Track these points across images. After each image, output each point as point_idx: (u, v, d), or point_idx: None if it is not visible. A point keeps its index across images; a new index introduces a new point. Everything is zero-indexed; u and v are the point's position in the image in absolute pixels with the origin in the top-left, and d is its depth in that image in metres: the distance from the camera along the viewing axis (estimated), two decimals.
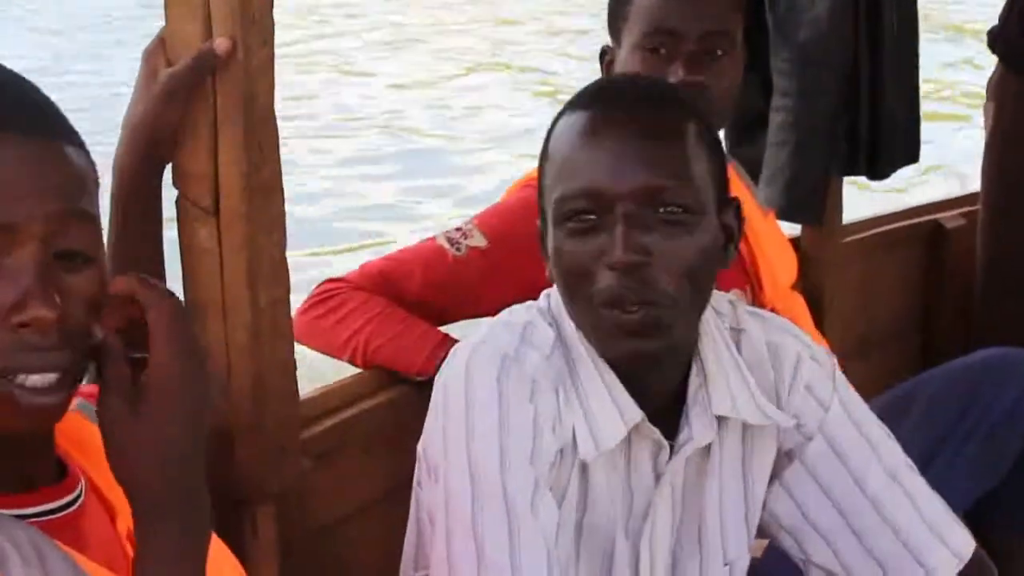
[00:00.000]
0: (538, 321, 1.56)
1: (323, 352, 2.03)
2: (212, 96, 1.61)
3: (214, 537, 1.29)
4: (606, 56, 2.12)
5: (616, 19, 2.10)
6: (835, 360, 1.71)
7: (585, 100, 1.56)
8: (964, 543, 1.68)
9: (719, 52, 2.02)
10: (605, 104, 1.54)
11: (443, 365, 1.56)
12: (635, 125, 1.51)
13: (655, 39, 2.02)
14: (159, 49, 1.62)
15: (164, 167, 1.64)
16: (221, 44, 1.58)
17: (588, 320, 1.51)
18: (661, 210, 1.48)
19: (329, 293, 2.03)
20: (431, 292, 2.02)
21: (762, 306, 2.18)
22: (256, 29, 1.61)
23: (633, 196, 1.47)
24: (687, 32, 2.01)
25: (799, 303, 2.32)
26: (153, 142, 1.61)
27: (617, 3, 2.10)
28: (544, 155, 1.56)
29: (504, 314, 1.60)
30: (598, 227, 1.48)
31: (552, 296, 1.60)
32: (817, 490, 1.66)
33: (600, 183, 1.48)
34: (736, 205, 1.58)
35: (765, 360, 1.65)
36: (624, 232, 1.46)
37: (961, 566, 1.67)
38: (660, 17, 2.02)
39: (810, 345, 1.69)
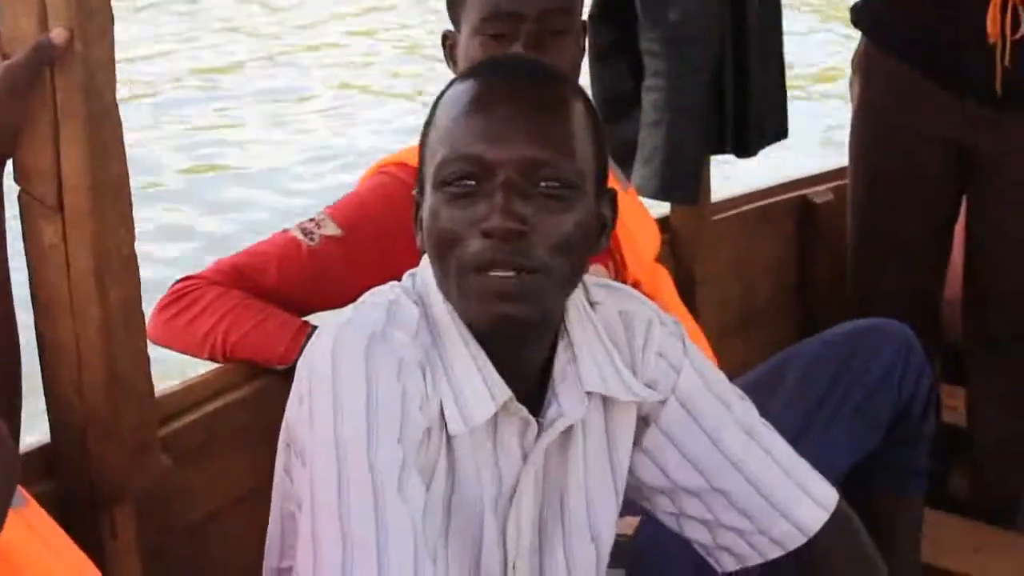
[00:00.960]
0: (403, 300, 1.55)
1: (182, 352, 2.00)
2: (51, 90, 1.58)
3: (63, 543, 1.27)
4: (447, 40, 2.11)
5: (454, 5, 2.08)
6: (698, 330, 1.72)
7: (475, 71, 1.57)
8: (827, 494, 1.71)
9: (559, 30, 2.02)
10: (494, 75, 1.54)
11: (307, 346, 1.54)
12: (523, 96, 1.51)
13: (494, 25, 2.00)
14: None
15: (4, 163, 1.61)
16: (58, 35, 1.56)
17: (458, 286, 1.50)
18: (542, 184, 1.48)
19: (182, 291, 2.00)
20: (288, 284, 2.00)
21: (625, 281, 2.19)
22: (94, 21, 1.59)
23: (515, 165, 1.47)
24: (526, 12, 1.99)
25: (663, 276, 2.34)
26: None
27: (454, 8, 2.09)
28: (429, 122, 1.56)
29: (367, 295, 1.59)
30: (476, 194, 1.47)
31: (418, 275, 1.59)
32: (676, 453, 1.68)
33: (483, 150, 1.47)
34: (612, 195, 1.59)
35: (619, 328, 1.66)
36: (504, 199, 1.46)
37: (827, 516, 1.69)
38: (496, 1, 2.00)
39: (658, 311, 1.70)
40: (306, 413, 1.49)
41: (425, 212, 1.53)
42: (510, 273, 1.46)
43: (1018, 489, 2.80)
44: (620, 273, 2.21)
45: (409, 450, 1.46)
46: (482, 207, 1.47)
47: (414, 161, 2.01)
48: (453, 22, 2.09)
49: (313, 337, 1.54)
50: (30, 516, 1.27)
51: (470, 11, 2.03)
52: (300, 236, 2.02)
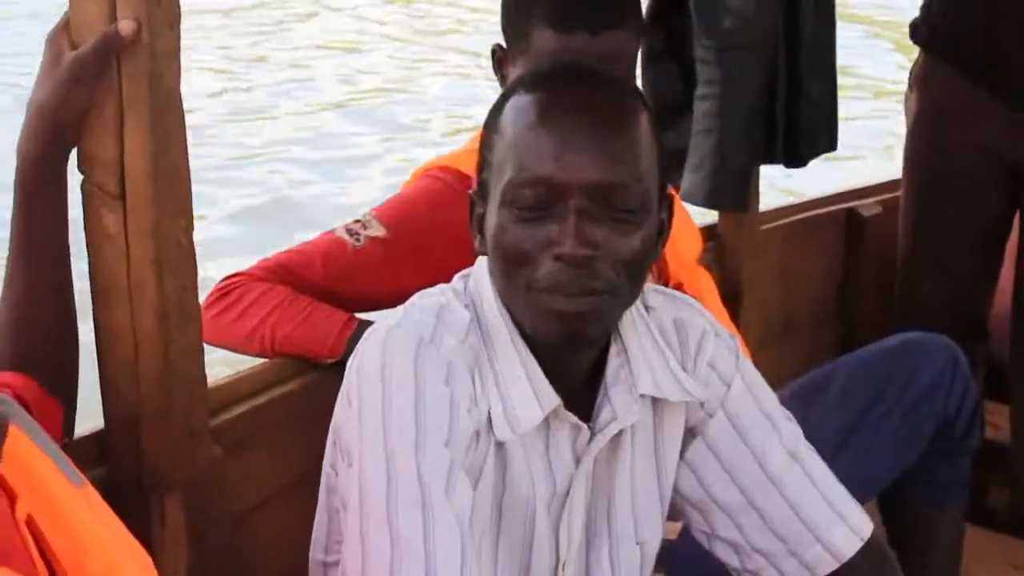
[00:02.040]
0: (453, 303, 1.56)
1: (230, 349, 2.01)
2: (117, 80, 1.59)
3: (119, 527, 1.29)
4: (496, 54, 2.09)
5: (512, 23, 2.06)
6: (739, 339, 1.73)
7: (542, 80, 1.55)
8: (862, 522, 1.70)
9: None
10: (562, 86, 1.54)
11: (356, 348, 1.55)
12: (592, 111, 1.50)
13: None
14: (63, 32, 1.60)
15: (69, 152, 1.62)
16: (125, 26, 1.57)
17: (525, 302, 1.50)
18: (612, 208, 1.48)
19: (227, 288, 2.01)
20: (334, 282, 2.02)
21: (667, 280, 2.21)
22: (161, 11, 1.60)
23: (586, 190, 1.47)
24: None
25: (705, 278, 2.34)
26: (58, 127, 1.59)
27: (515, 31, 2.07)
28: (494, 128, 1.55)
29: (417, 297, 1.60)
30: (547, 216, 1.48)
31: (470, 278, 1.60)
32: (718, 467, 1.68)
33: (554, 171, 1.47)
34: (670, 200, 1.60)
35: (672, 336, 1.66)
36: (576, 225, 1.46)
37: (861, 544, 1.69)
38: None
39: (714, 323, 1.70)
40: (355, 414, 1.50)
41: (490, 223, 1.52)
42: (579, 296, 1.47)
43: None
44: (663, 272, 2.21)
45: (457, 453, 1.47)
46: (552, 229, 1.47)
47: (460, 165, 2.04)
48: (508, 38, 2.08)
49: (363, 339, 1.55)
50: (90, 496, 1.29)
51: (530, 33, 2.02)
52: (346, 237, 2.03)
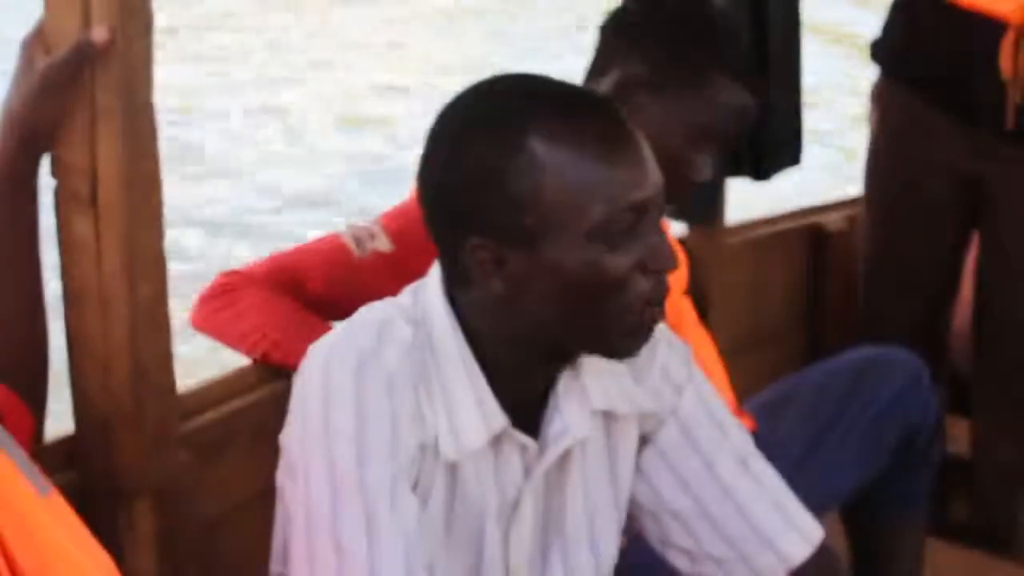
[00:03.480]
0: (395, 319, 1.55)
1: (221, 342, 2.02)
2: (91, 87, 1.60)
3: (84, 536, 1.28)
4: None
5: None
6: (691, 348, 1.74)
7: (567, 113, 1.49)
8: (813, 528, 1.71)
9: None
10: (587, 111, 1.51)
11: (301, 363, 1.55)
12: (624, 129, 1.50)
13: None
14: (37, 39, 1.61)
15: (41, 157, 1.62)
16: (100, 34, 1.57)
17: (618, 328, 1.50)
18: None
19: (228, 286, 2.01)
20: (333, 289, 2.01)
21: None
22: (136, 19, 1.60)
23: (657, 200, 1.50)
24: None
25: (688, 309, 2.32)
26: (31, 132, 1.60)
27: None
28: (528, 171, 1.45)
29: (360, 311, 1.58)
30: (633, 235, 1.48)
31: (419, 293, 1.58)
32: (670, 474, 1.69)
33: (641, 195, 1.47)
34: None
35: None
36: (662, 235, 1.50)
37: (811, 550, 1.70)
38: None
39: (667, 331, 1.71)
40: (299, 431, 1.51)
41: (570, 263, 1.46)
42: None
43: (1018, 518, 2.82)
44: None
45: (400, 465, 1.48)
46: (639, 247, 1.48)
47: None
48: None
49: (306, 355, 1.54)
50: (54, 505, 1.29)
51: None
52: (351, 244, 2.02)
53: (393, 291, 1.94)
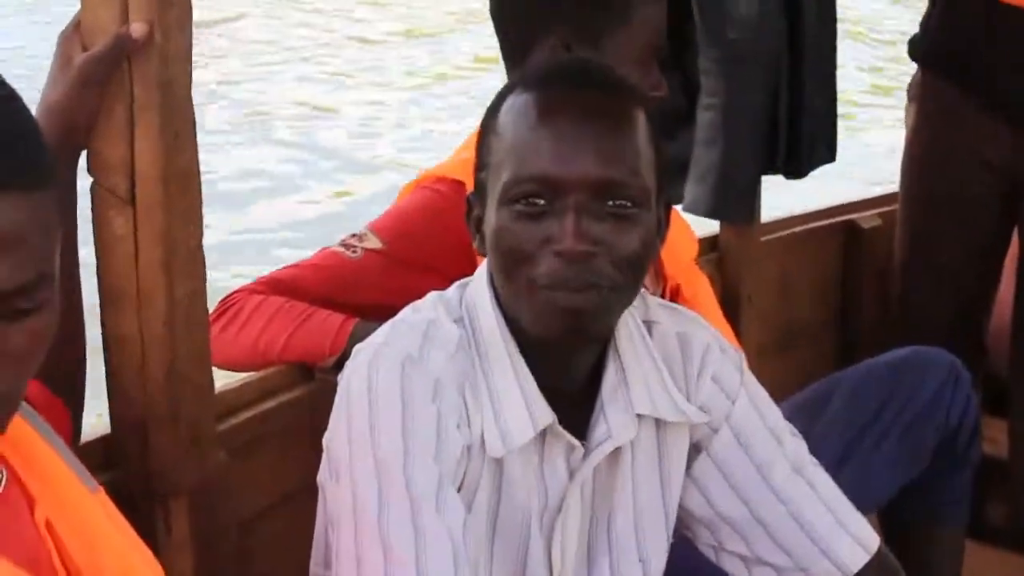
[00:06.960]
0: (442, 319, 1.55)
1: (234, 366, 2.01)
2: (128, 82, 1.58)
3: (131, 532, 1.28)
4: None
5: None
6: (743, 355, 1.72)
7: (538, 79, 1.55)
8: (869, 535, 1.70)
9: None
10: (559, 86, 1.53)
11: (346, 365, 1.55)
12: (590, 109, 1.50)
13: None
14: (75, 34, 1.60)
15: (79, 154, 1.61)
16: (137, 29, 1.56)
17: (528, 301, 1.50)
18: (611, 203, 1.48)
19: (226, 305, 2.02)
20: (333, 292, 2.01)
21: (665, 282, 2.20)
22: (173, 13, 1.59)
23: (585, 186, 1.47)
24: None
25: (702, 279, 2.33)
26: (68, 128, 1.58)
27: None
28: (491, 129, 1.55)
29: (407, 311, 1.59)
30: (546, 212, 1.48)
31: (467, 287, 1.59)
32: (723, 482, 1.67)
33: (553, 170, 1.47)
34: (668, 200, 1.60)
35: (675, 351, 1.66)
36: (575, 221, 1.46)
37: (868, 558, 1.69)
38: None
39: (720, 338, 1.70)
40: (344, 433, 1.50)
41: (489, 224, 1.52)
42: (581, 291, 1.47)
43: None
44: (660, 275, 2.21)
45: (446, 468, 1.48)
46: (552, 225, 1.47)
47: (454, 174, 2.04)
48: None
49: (351, 357, 1.55)
50: (105, 502, 1.28)
51: None
52: (343, 251, 2.04)
53: (392, 284, 1.96)
